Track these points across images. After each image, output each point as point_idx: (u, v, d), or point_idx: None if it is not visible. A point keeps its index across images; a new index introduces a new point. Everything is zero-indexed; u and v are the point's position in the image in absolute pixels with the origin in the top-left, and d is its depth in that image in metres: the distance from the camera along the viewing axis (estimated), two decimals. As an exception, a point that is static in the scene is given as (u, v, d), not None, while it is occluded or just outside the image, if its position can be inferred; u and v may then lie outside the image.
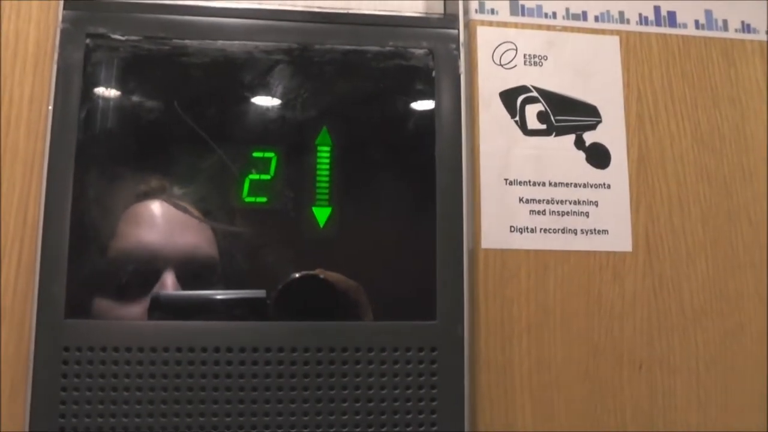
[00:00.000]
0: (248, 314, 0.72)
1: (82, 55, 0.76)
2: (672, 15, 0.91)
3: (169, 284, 0.73)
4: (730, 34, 0.92)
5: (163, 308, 0.72)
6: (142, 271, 0.73)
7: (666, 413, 0.80)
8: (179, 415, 0.69)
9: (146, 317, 0.71)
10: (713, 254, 0.85)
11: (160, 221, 0.75)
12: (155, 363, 0.69)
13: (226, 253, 0.75)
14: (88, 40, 0.76)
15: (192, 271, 0.74)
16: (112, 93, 0.76)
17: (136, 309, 0.72)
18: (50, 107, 0.75)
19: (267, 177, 0.76)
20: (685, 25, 0.91)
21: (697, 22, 0.91)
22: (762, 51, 0.92)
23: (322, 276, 0.73)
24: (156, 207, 0.75)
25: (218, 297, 0.74)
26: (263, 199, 0.75)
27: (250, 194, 0.75)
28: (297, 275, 0.73)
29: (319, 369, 0.71)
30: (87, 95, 0.75)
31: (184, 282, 0.73)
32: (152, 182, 0.75)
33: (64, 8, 0.77)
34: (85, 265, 0.72)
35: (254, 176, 0.75)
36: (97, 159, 0.74)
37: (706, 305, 0.83)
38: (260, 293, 0.73)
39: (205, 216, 0.75)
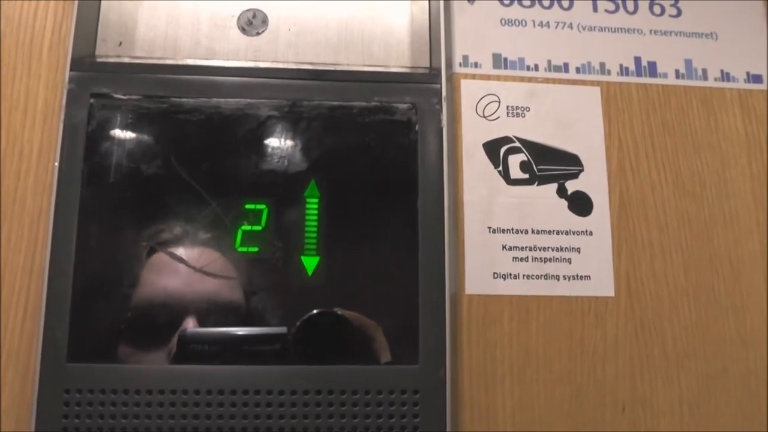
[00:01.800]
0: (271, 350, 0.76)
1: (86, 114, 0.81)
2: (652, 65, 0.94)
3: (190, 327, 0.76)
4: (710, 83, 0.95)
5: (190, 345, 0.75)
6: (164, 318, 0.76)
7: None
8: (172, 456, 0.72)
9: (169, 359, 0.75)
10: (695, 298, 0.87)
11: (182, 268, 0.78)
12: (151, 405, 0.73)
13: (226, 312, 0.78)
14: (92, 100, 0.81)
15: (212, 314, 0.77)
16: (114, 149, 0.80)
17: (156, 354, 0.76)
18: (56, 163, 0.79)
19: (258, 228, 0.79)
20: (665, 75, 0.94)
21: (677, 71, 0.95)
22: (741, 99, 0.95)
23: (339, 312, 0.77)
24: (180, 253, 0.79)
25: (242, 333, 0.77)
26: (255, 249, 0.79)
27: (242, 244, 0.79)
28: (315, 311, 0.77)
29: (305, 410, 0.74)
30: (90, 151, 0.80)
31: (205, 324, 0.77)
32: (156, 235, 0.79)
33: (71, 69, 0.82)
34: (87, 312, 0.75)
35: (246, 227, 0.79)
36: (99, 211, 0.79)
37: (688, 348, 0.85)
38: (281, 329, 0.76)
39: (201, 266, 0.78)
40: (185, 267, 0.78)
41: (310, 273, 0.78)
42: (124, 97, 0.82)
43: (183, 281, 0.78)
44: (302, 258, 0.79)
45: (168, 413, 0.73)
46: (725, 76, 0.95)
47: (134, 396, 0.73)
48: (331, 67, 0.87)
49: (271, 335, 0.76)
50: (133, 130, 0.81)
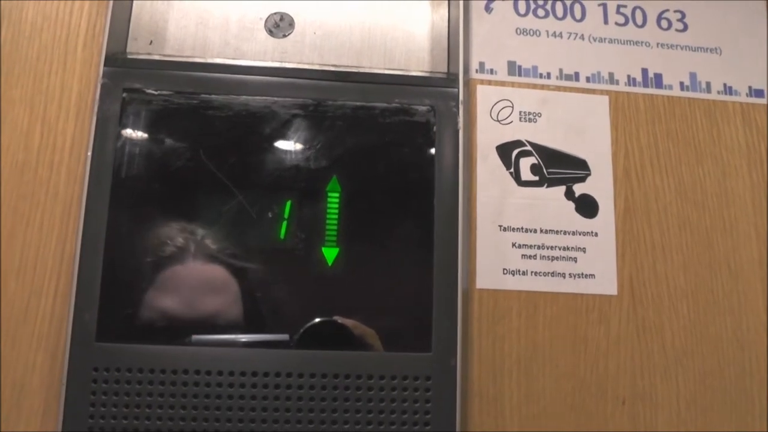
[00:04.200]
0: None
1: (119, 108, 0.85)
2: (659, 77, 0.98)
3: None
4: (713, 96, 0.99)
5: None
6: (167, 334, 0.80)
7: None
8: (195, 432, 0.76)
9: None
10: (694, 300, 0.91)
11: (185, 289, 0.81)
12: (176, 384, 0.77)
13: (248, 300, 0.82)
14: (124, 94, 0.85)
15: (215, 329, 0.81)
16: (145, 142, 0.84)
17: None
18: (89, 153, 0.83)
19: (283, 220, 0.83)
20: (670, 87, 0.98)
21: (682, 83, 0.99)
22: (743, 112, 0.99)
23: (340, 321, 0.81)
24: (187, 271, 0.82)
25: (245, 340, 0.80)
26: (279, 240, 0.83)
27: (266, 234, 0.83)
28: (317, 320, 0.81)
29: (323, 393, 0.78)
30: (122, 143, 0.83)
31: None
32: (185, 236, 0.82)
33: (105, 65, 0.86)
34: (115, 295, 0.79)
35: (272, 219, 0.83)
36: (129, 201, 0.82)
37: (687, 347, 0.89)
38: (284, 336, 0.80)
39: (226, 256, 0.82)
40: (216, 277, 0.82)
41: (330, 263, 0.82)
42: (156, 93, 0.86)
43: (214, 296, 0.82)
44: (323, 249, 0.82)
45: (191, 392, 0.77)
46: (728, 90, 0.99)
47: (159, 375, 0.77)
48: (354, 70, 0.91)
49: (274, 342, 0.80)
50: (163, 125, 0.85)
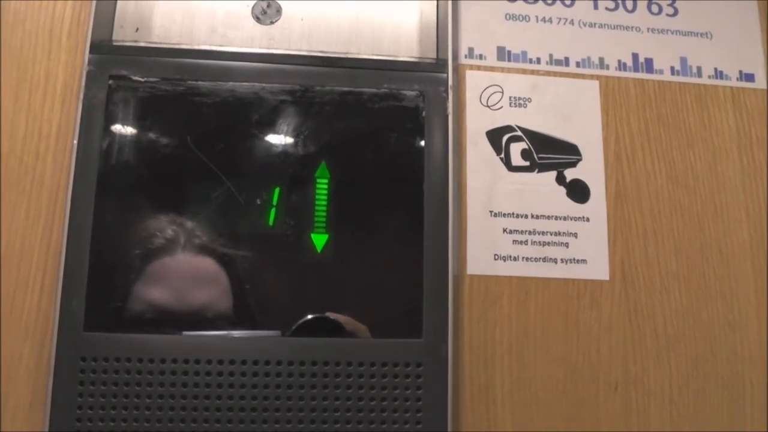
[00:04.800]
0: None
1: (105, 95, 0.84)
2: (649, 61, 0.98)
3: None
4: (704, 80, 0.98)
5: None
6: (155, 324, 0.79)
7: (640, 431, 0.85)
8: (185, 421, 0.75)
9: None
10: (686, 284, 0.91)
11: (175, 281, 0.80)
12: (164, 373, 0.76)
13: (238, 290, 0.81)
14: (110, 81, 0.84)
15: (204, 323, 0.80)
16: (131, 129, 0.83)
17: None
18: (75, 141, 0.82)
19: (272, 207, 0.82)
20: (661, 71, 0.98)
21: (672, 68, 0.98)
22: (733, 96, 0.98)
23: (332, 317, 0.80)
24: (175, 262, 0.81)
25: (237, 336, 0.79)
26: (267, 227, 0.82)
27: (255, 222, 0.82)
28: (309, 317, 0.80)
29: (314, 381, 0.77)
30: (108, 131, 0.83)
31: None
32: (173, 224, 0.81)
33: (90, 52, 0.85)
34: (102, 284, 0.78)
35: (260, 206, 0.82)
36: (116, 189, 0.82)
37: (679, 331, 0.89)
38: (276, 333, 0.79)
39: (214, 245, 0.81)
40: (206, 270, 0.81)
41: (319, 250, 0.82)
42: (142, 80, 0.85)
43: (204, 288, 0.81)
44: (312, 236, 0.82)
45: (180, 381, 0.76)
46: (719, 74, 0.99)
47: (148, 364, 0.76)
48: (342, 56, 0.90)
49: (265, 339, 0.79)
50: (150, 112, 0.84)
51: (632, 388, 0.86)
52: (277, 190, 0.83)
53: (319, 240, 0.82)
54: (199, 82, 0.85)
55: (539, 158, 0.91)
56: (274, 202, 0.82)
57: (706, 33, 1.01)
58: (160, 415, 0.75)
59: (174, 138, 0.83)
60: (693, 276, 0.91)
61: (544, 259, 0.88)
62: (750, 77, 1.00)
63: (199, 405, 0.75)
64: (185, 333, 0.78)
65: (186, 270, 0.80)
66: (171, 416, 0.75)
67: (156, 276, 0.80)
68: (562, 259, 0.88)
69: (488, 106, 0.92)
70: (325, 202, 0.83)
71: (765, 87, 1.00)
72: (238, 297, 0.81)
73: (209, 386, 0.76)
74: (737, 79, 0.99)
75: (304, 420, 0.76)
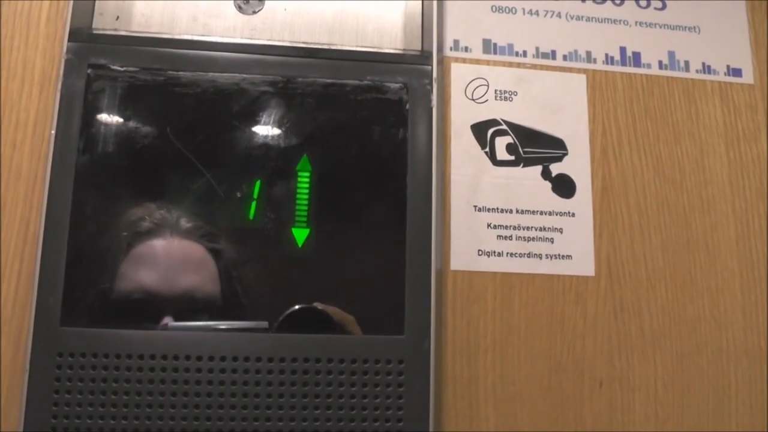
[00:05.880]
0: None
1: (83, 84, 0.82)
2: (637, 55, 0.97)
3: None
4: (692, 75, 0.98)
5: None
6: (143, 312, 0.78)
7: (625, 428, 0.85)
8: (164, 419, 0.74)
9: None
10: (672, 280, 0.90)
11: (161, 263, 0.79)
12: (142, 369, 0.74)
13: (219, 283, 0.80)
14: (89, 70, 0.83)
15: (191, 310, 0.78)
16: (110, 119, 0.82)
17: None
18: (53, 131, 0.80)
19: (253, 200, 0.81)
20: (649, 65, 0.97)
21: (660, 62, 0.97)
22: (721, 91, 0.98)
23: (320, 307, 0.79)
24: (160, 247, 0.80)
25: (224, 327, 0.78)
26: (248, 221, 0.81)
27: (235, 215, 0.81)
28: (297, 307, 0.79)
29: (296, 378, 0.76)
30: (87, 121, 0.81)
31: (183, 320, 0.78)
32: (154, 215, 0.80)
33: (69, 40, 0.84)
34: (80, 278, 0.77)
35: (241, 199, 0.81)
36: (94, 180, 0.80)
37: (664, 328, 0.88)
38: (263, 324, 0.78)
39: (195, 237, 0.80)
40: (193, 254, 0.80)
41: (300, 244, 0.80)
42: (122, 69, 0.83)
43: (191, 272, 0.80)
44: (293, 230, 0.81)
45: (158, 378, 0.74)
46: (707, 69, 0.98)
47: (126, 360, 0.75)
48: (326, 47, 0.89)
49: (253, 330, 0.78)
50: (129, 101, 0.83)
51: (617, 385, 0.86)
52: (258, 183, 0.81)
53: (300, 234, 0.81)
54: (180, 72, 0.84)
55: (524, 152, 0.90)
56: (255, 195, 0.81)
57: (694, 27, 1.00)
58: (138, 413, 0.73)
59: (153, 128, 0.82)
60: (679, 272, 0.91)
61: (529, 255, 0.87)
62: (737, 72, 0.99)
63: (178, 402, 0.74)
64: (170, 324, 0.76)
65: (169, 256, 0.79)
66: (149, 414, 0.74)
67: (135, 267, 0.78)
68: (547, 255, 0.88)
69: (473, 100, 0.91)
70: (306, 196, 0.82)
71: (752, 82, 0.99)
72: (220, 289, 0.80)
73: (188, 383, 0.75)
74: (725, 74, 0.99)
75: (285, 417, 0.75)
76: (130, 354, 0.75)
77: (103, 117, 0.82)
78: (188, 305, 0.78)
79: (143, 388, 0.74)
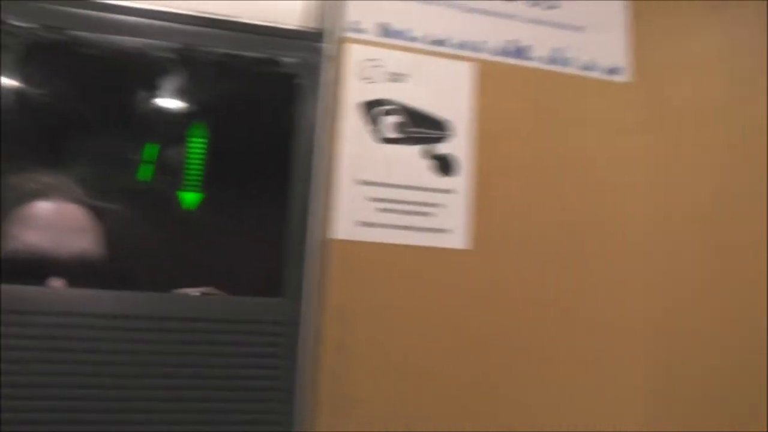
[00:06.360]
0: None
1: (-18, 38, 0.83)
2: (526, 49, 1.03)
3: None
4: (576, 71, 1.04)
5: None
6: (30, 272, 0.78)
7: (502, 401, 0.92)
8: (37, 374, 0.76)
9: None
10: (546, 257, 0.97)
11: (50, 225, 0.81)
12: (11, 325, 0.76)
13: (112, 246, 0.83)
14: (-10, 25, 0.84)
15: (79, 274, 0.80)
16: (7, 77, 0.83)
17: None
18: (-53, 84, 0.81)
19: (149, 163, 0.84)
20: (536, 59, 1.03)
21: (548, 57, 1.04)
22: (602, 87, 1.05)
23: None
24: (48, 209, 0.81)
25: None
26: (143, 183, 0.84)
27: (130, 178, 0.84)
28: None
29: (176, 337, 0.79)
30: (-16, 76, 0.82)
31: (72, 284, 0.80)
32: (46, 177, 0.82)
33: (-34, -7, 0.84)
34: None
35: (137, 162, 0.84)
36: (-11, 134, 0.81)
37: (534, 298, 0.96)
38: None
39: (93, 197, 0.82)
40: (82, 218, 0.82)
41: (189, 207, 0.84)
42: (23, 25, 0.84)
43: (79, 235, 0.82)
44: (183, 193, 0.84)
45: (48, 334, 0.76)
46: (589, 66, 1.05)
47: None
48: (227, 18, 0.92)
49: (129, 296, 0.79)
50: (28, 60, 0.84)
51: (490, 352, 0.92)
52: (150, 147, 0.84)
53: (190, 198, 0.84)
54: (81, 33, 0.86)
55: (410, 132, 0.95)
56: (147, 158, 0.84)
57: (580, 27, 1.06)
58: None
59: (51, 89, 0.84)
60: (552, 249, 0.98)
61: (409, 227, 0.93)
62: (616, 70, 1.06)
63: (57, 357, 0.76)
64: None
65: (57, 218, 0.81)
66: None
67: (23, 224, 0.80)
68: (426, 228, 0.93)
69: (366, 79, 0.95)
70: (197, 161, 0.85)
71: (630, 80, 1.06)
72: (105, 248, 0.82)
73: (81, 340, 0.76)
74: (606, 72, 1.05)
75: (163, 375, 0.78)
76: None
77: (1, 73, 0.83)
78: (76, 268, 0.80)
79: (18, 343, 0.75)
